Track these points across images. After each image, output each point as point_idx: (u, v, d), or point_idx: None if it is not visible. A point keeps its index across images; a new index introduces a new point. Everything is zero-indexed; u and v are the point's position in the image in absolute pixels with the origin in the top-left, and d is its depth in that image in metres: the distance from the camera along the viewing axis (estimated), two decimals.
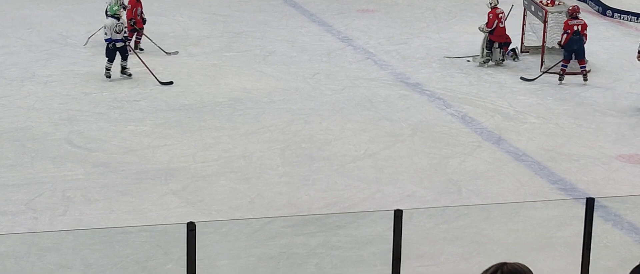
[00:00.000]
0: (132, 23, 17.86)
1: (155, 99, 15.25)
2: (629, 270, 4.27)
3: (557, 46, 16.88)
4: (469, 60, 17.86)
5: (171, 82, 16.20)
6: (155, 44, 16.53)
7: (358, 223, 10.41)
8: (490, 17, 17.66)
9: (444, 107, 15.13)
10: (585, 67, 16.71)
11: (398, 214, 6.54)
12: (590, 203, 6.95)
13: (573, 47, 16.53)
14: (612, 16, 22.23)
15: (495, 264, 3.71)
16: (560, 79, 16.59)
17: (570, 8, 16.97)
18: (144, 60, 16.42)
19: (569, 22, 16.68)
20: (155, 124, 14.02)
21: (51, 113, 14.43)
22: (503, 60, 17.77)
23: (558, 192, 11.69)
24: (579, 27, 16.64)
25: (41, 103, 14.95)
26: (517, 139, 13.63)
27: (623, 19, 22.11)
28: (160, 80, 16.23)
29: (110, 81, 16.23)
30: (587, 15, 22.41)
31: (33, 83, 16.09)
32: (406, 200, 11.14)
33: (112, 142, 13.19)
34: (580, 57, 16.63)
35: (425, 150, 13.12)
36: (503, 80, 16.81)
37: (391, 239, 6.61)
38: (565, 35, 16.59)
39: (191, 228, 6.10)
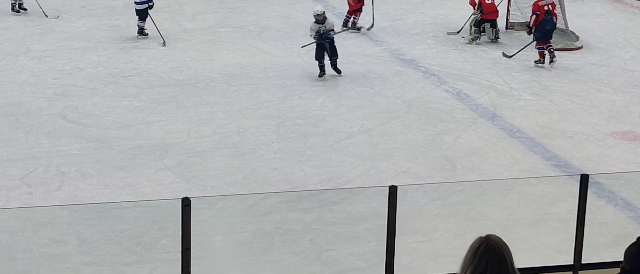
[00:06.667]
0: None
1: (149, 75, 15.22)
2: (622, 246, 4.29)
3: (527, 28, 16.52)
4: (464, 37, 17.86)
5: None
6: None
7: (352, 199, 10.43)
8: None
9: (439, 84, 15.13)
10: (550, 45, 16.29)
11: (392, 191, 6.53)
12: (584, 180, 6.95)
13: (546, 27, 16.11)
14: None
15: (478, 239, 3.78)
16: (549, 62, 16.10)
17: None
18: (154, 21, 16.89)
19: (538, 2, 16.24)
20: (150, 100, 13.99)
21: (45, 88, 14.40)
22: (497, 37, 17.76)
23: (552, 169, 11.71)
24: (549, 6, 16.23)
25: (35, 78, 14.91)
26: (511, 116, 13.64)
27: None
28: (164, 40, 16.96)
29: (104, 56, 16.22)
30: None
31: (27, 58, 16.05)
32: (401, 176, 11.15)
33: (106, 117, 13.18)
34: (550, 37, 16.24)
35: (420, 126, 13.12)
36: (498, 57, 16.79)
37: (385, 215, 6.60)
38: (534, 17, 16.19)
39: (186, 203, 6.09)
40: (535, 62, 16.26)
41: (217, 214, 9.80)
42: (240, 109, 13.72)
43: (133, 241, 9.43)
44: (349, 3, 18.41)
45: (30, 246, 9.24)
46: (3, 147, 11.93)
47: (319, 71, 15.23)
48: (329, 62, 15.30)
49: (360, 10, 18.41)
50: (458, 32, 18.05)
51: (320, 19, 15.13)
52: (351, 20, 18.37)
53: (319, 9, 15.29)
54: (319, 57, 15.24)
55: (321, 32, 15.12)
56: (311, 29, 15.26)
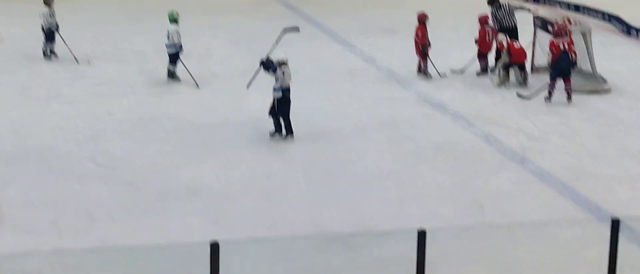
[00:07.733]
0: (422, 47, 18.12)
1: (179, 119, 15.31)
2: None
3: (548, 67, 16.67)
4: (492, 80, 17.83)
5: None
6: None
7: (381, 242, 10.39)
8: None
9: (468, 127, 15.09)
10: (570, 87, 16.45)
11: (421, 234, 6.51)
12: (615, 224, 6.89)
13: (561, 65, 16.26)
14: (637, 36, 22.15)
15: None
16: (548, 100, 16.35)
17: (556, 27, 16.75)
18: (185, 64, 17.27)
19: (554, 41, 16.43)
20: (179, 143, 14.06)
21: (76, 132, 14.52)
22: (526, 80, 17.72)
23: (583, 213, 11.61)
24: (565, 45, 16.35)
25: (66, 122, 15.04)
26: (541, 159, 13.57)
27: None
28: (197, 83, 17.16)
29: (135, 101, 16.35)
30: (611, 35, 22.39)
31: (58, 103, 16.21)
32: (430, 220, 11.10)
33: (136, 161, 13.25)
34: (567, 75, 16.35)
35: (448, 170, 13.08)
36: (527, 100, 16.74)
37: (415, 259, 6.58)
38: (550, 55, 16.35)
39: (214, 247, 6.11)
40: (545, 99, 16.42)
41: (245, 258, 9.79)
42: (268, 152, 13.75)
43: None
44: (415, 48, 18.34)
45: None
46: (34, 191, 12.01)
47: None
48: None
49: (425, 54, 18.16)
50: (462, 71, 18.25)
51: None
52: (422, 66, 18.23)
53: (284, 57, 14.35)
54: (271, 112, 14.23)
55: (270, 66, 14.26)
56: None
